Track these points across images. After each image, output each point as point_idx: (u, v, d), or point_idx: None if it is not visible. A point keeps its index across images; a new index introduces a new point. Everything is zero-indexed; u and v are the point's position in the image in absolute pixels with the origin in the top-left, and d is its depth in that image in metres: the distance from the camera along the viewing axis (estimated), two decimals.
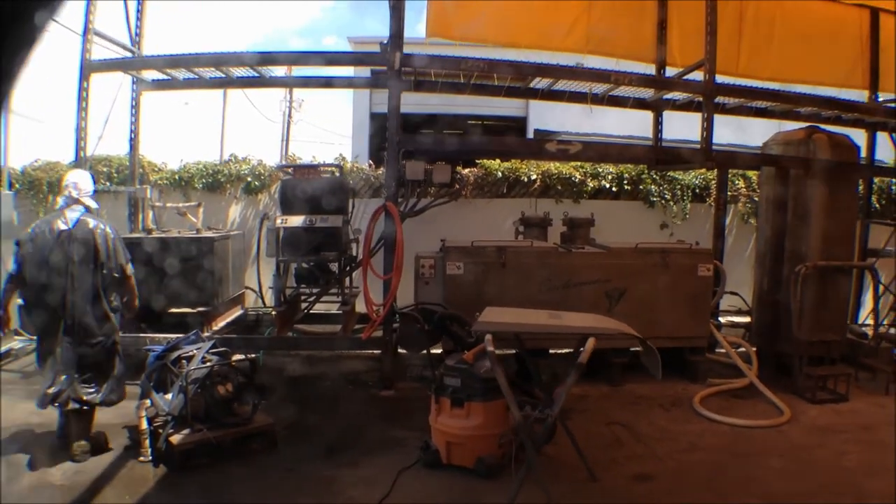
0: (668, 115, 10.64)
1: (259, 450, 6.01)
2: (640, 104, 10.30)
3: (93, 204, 6.06)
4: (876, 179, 11.85)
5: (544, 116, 16.56)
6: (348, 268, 8.74)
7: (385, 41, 7.92)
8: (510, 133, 18.09)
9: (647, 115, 10.67)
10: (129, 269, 6.09)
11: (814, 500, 5.54)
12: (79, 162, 8.48)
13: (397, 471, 5.61)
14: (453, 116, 16.36)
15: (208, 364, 6.11)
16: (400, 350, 8.16)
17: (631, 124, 12.30)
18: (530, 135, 17.29)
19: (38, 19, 1.30)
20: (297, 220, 8.22)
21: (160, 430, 5.78)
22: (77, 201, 5.93)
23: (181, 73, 9.10)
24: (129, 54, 9.22)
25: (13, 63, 1.31)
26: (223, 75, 9.08)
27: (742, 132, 12.45)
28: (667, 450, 6.38)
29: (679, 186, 11.59)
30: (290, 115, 26.58)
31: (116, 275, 5.97)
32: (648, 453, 6.30)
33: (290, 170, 9.06)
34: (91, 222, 5.88)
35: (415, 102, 12.40)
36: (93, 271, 5.83)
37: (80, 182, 6.01)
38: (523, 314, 6.16)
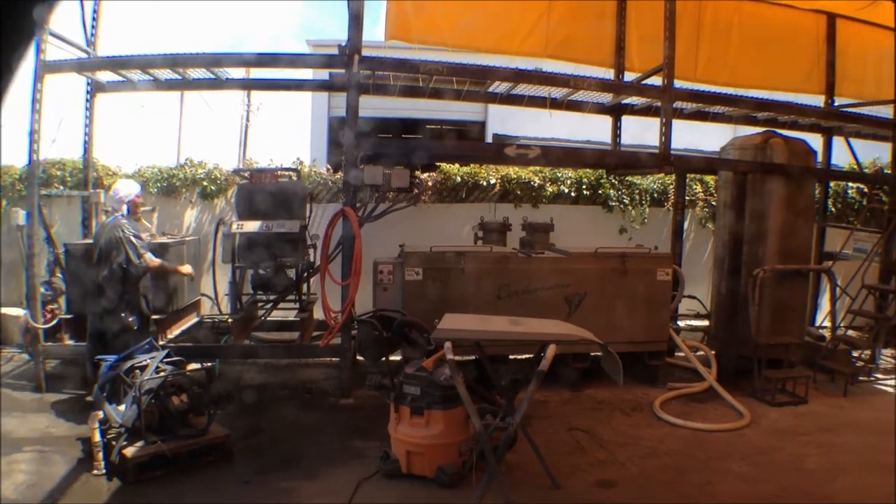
0: (629, 120, 10.67)
1: (215, 462, 5.89)
2: (598, 109, 10.31)
3: (116, 209, 6.87)
4: (832, 183, 12.01)
5: (504, 121, 16.52)
6: (306, 274, 8.60)
7: (343, 44, 7.83)
8: (469, 138, 18.06)
9: (608, 120, 10.68)
10: (142, 262, 6.67)
11: (776, 503, 5.56)
12: (32, 165, 8.26)
13: (356, 482, 5.51)
14: (412, 121, 16.29)
15: (162, 374, 5.97)
16: (359, 358, 8.05)
17: (591, 129, 12.31)
18: (489, 139, 17.26)
19: (37, 14, 1.32)
20: (253, 226, 8.05)
21: (114, 443, 5.64)
22: (114, 210, 6.89)
23: (136, 75, 8.90)
24: (84, 55, 8.99)
25: (12, 58, 1.32)
26: (179, 77, 8.90)
27: (702, 137, 12.52)
28: (628, 455, 6.38)
29: (637, 191, 11.63)
30: (248, 119, 26.21)
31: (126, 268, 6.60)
32: (610, 459, 6.29)
33: (246, 174, 8.89)
34: (109, 225, 6.70)
35: (373, 107, 12.28)
36: (107, 269, 6.58)
37: (115, 191, 6.93)
38: (483, 320, 6.10)
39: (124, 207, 6.79)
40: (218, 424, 6.15)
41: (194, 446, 5.83)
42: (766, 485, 5.89)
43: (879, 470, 6.24)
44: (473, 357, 6.89)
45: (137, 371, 6.02)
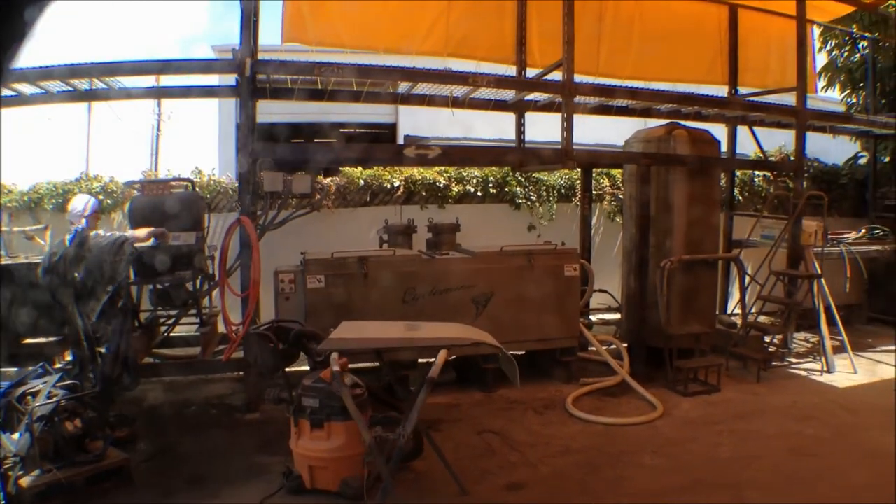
0: (546, 117, 10.54)
1: (114, 487, 5.63)
2: (502, 106, 10.22)
3: (74, 223, 6.83)
4: (738, 172, 12.20)
5: (416, 122, 16.37)
6: (206, 287, 8.33)
7: (237, 47, 7.61)
8: (380, 140, 17.89)
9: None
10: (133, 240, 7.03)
11: (689, 494, 5.55)
12: None
13: (260, 500, 5.34)
14: (321, 125, 15.99)
15: (55, 399, 5.70)
16: None
17: (507, 126, 12.23)
18: (401, 141, 17.10)
19: (28, 15, 1.29)
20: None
21: (10, 473, 5.34)
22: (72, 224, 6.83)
23: (27, 88, 8.48)
24: None
25: (3, 59, 1.32)
26: (71, 89, 8.52)
27: (626, 132, 12.57)
28: (540, 455, 6.31)
29: (545, 187, 11.60)
30: (158, 128, 25.58)
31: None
32: (521, 460, 6.20)
33: (138, 186, 8.56)
34: (80, 237, 6.71)
35: (279, 111, 12.01)
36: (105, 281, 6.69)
37: (73, 206, 6.93)
38: (380, 327, 5.98)
39: (83, 221, 6.84)
40: (116, 449, 5.89)
41: (92, 472, 5.57)
42: (679, 476, 5.89)
43: (793, 454, 6.33)
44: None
45: (30, 397, 5.74)
